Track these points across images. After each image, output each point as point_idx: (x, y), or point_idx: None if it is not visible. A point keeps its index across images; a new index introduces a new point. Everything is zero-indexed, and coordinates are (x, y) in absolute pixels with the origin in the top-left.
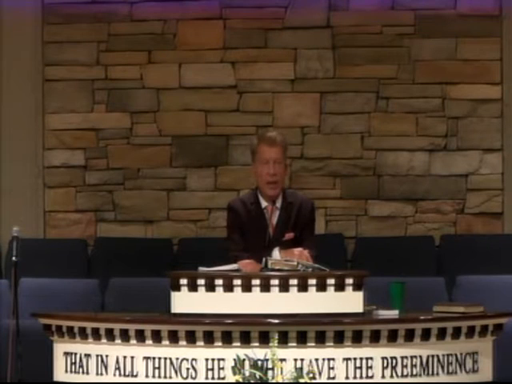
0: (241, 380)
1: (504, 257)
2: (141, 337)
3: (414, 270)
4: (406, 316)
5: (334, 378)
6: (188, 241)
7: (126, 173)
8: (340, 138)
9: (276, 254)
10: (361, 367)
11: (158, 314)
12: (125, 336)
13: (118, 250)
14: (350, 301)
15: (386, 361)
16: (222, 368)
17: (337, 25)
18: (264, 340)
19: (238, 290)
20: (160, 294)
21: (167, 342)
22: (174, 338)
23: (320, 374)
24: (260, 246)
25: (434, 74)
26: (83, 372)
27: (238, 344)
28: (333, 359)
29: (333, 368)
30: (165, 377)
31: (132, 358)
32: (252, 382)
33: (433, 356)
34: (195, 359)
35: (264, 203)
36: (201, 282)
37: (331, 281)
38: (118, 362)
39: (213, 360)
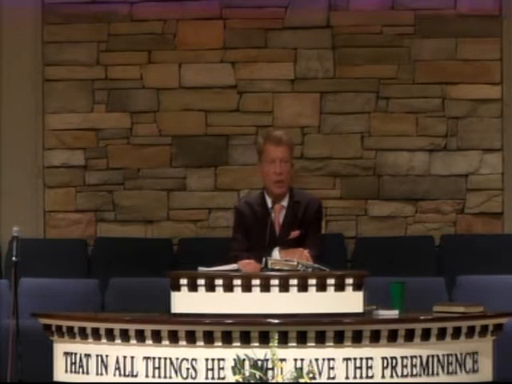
0: (241, 380)
1: (504, 257)
2: (141, 337)
3: (413, 270)
4: (406, 316)
5: (333, 378)
6: (188, 241)
7: (126, 173)
8: (340, 138)
9: (276, 254)
10: (361, 367)
11: (157, 314)
12: (125, 336)
13: (118, 249)
14: (350, 301)
15: (385, 361)
16: (222, 368)
17: (337, 25)
18: (264, 340)
19: (237, 290)
20: (160, 293)
21: (167, 342)
22: (174, 338)
23: (320, 373)
24: (266, 245)
25: (433, 74)
26: (83, 372)
27: (238, 344)
28: (333, 359)
29: (333, 368)
30: (165, 377)
31: (132, 358)
32: (252, 381)
33: (433, 356)
34: (195, 359)
35: (270, 203)
36: (201, 282)
37: (331, 281)
38: (118, 362)
39: (213, 360)
